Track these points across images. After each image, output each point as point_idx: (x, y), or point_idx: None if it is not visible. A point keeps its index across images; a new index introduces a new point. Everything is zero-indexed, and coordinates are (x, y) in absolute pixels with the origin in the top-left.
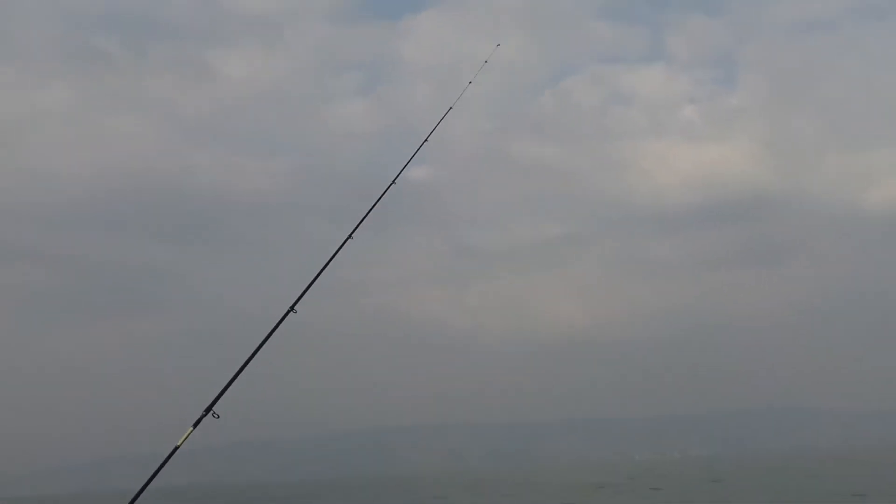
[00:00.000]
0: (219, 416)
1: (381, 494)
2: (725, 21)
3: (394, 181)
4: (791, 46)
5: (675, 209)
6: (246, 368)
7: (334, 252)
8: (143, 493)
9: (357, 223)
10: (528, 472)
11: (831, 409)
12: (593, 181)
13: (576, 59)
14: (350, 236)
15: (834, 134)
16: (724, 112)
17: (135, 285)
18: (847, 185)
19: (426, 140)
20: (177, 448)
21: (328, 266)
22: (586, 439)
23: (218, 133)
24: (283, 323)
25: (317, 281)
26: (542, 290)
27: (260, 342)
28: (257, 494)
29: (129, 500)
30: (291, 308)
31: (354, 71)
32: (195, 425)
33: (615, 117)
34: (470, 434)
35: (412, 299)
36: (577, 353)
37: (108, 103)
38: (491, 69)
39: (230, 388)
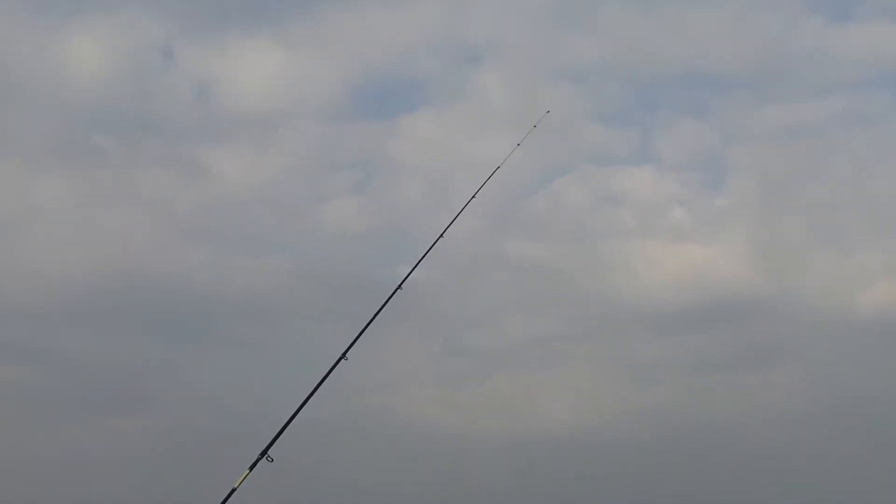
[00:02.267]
0: (273, 460)
1: None
2: (713, 124)
3: (399, 286)
4: (778, 149)
5: (664, 310)
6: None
7: (327, 372)
8: None
9: (352, 341)
10: None
11: None
12: (583, 281)
13: (567, 160)
14: (344, 356)
15: (822, 237)
16: (712, 214)
17: (127, 384)
18: (836, 289)
19: (467, 204)
20: (234, 490)
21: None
22: None
23: (211, 231)
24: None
25: (308, 380)
26: (532, 389)
27: (312, 389)
28: None
29: None
30: (343, 355)
31: (348, 170)
32: (251, 468)
33: (605, 217)
34: None
35: (404, 399)
36: (566, 453)
37: (101, 200)
38: (483, 168)
39: (285, 432)
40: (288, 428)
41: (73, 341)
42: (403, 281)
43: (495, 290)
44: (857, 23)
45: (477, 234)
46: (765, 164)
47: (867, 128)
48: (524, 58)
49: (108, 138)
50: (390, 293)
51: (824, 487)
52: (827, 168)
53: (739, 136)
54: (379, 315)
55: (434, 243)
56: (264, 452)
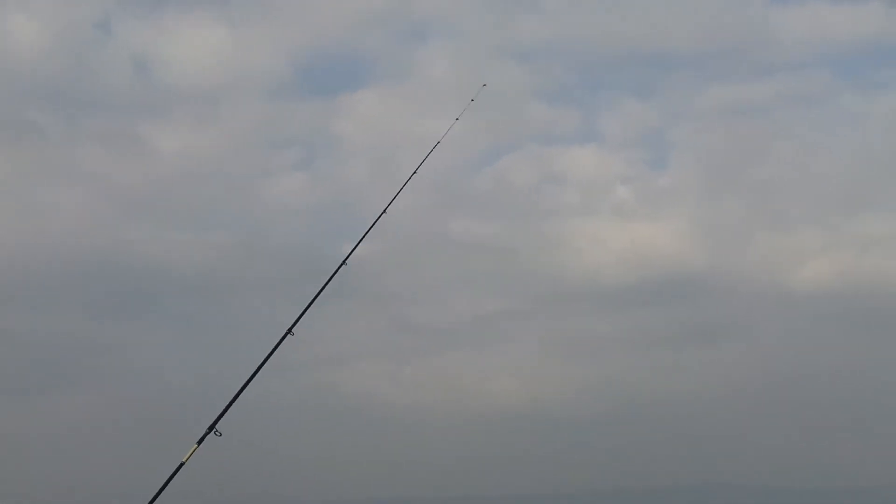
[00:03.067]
0: (221, 434)
1: None
2: (657, 104)
3: (344, 262)
4: (721, 129)
5: (609, 287)
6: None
7: (272, 349)
8: None
9: (298, 316)
10: None
11: (762, 486)
12: (529, 258)
13: (512, 139)
14: (290, 331)
15: (763, 216)
16: (655, 192)
17: (67, 360)
18: (776, 266)
19: (409, 179)
20: (182, 464)
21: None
22: None
23: (152, 207)
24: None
25: (252, 356)
26: (479, 365)
27: (259, 364)
28: None
29: None
30: (289, 331)
31: (291, 147)
32: (199, 442)
33: (550, 196)
34: None
35: (350, 375)
36: (514, 429)
37: (39, 176)
38: (428, 145)
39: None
40: (235, 402)
41: (14, 317)
42: (348, 256)
43: (442, 268)
44: (799, 4)
45: (423, 213)
46: (708, 143)
47: (809, 108)
48: (470, 35)
49: (45, 114)
50: (341, 275)
51: (766, 459)
52: (769, 148)
53: (683, 115)
54: (326, 291)
55: (377, 219)
56: (212, 427)
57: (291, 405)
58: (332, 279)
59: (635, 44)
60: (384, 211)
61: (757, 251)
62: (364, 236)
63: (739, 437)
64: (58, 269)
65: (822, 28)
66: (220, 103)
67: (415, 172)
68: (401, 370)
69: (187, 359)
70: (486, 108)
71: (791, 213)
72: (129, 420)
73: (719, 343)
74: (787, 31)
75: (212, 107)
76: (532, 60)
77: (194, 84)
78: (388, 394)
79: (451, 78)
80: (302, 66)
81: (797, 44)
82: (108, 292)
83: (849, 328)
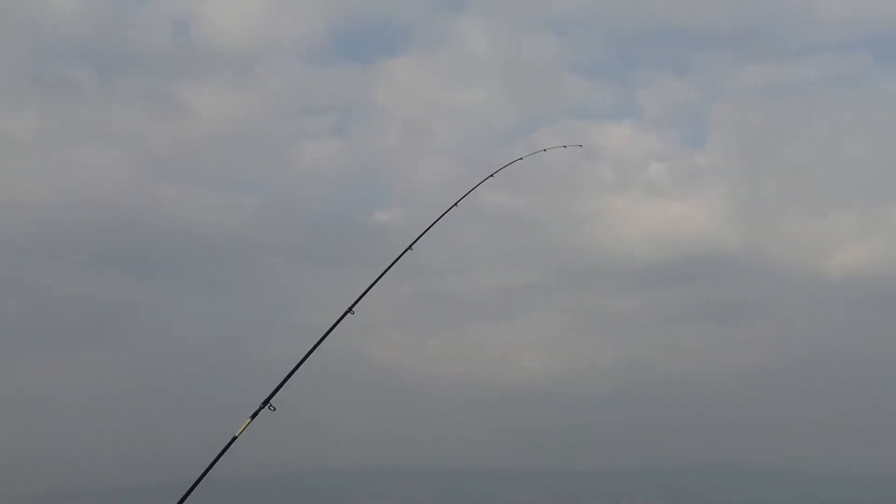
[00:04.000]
0: (275, 409)
1: None
2: (694, 81)
3: (410, 247)
4: (758, 108)
5: (638, 264)
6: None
7: (331, 327)
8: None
9: (360, 296)
10: None
11: (782, 468)
12: (558, 233)
13: (547, 112)
14: (350, 310)
15: (797, 197)
16: (690, 170)
17: (98, 318)
18: (809, 250)
19: (455, 205)
20: (235, 438)
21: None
22: (538, 487)
23: (185, 167)
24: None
25: (278, 319)
26: (502, 337)
27: (316, 342)
28: None
29: (188, 488)
30: (349, 310)
31: (325, 112)
32: (253, 416)
33: (583, 171)
34: (425, 478)
35: (374, 343)
36: (534, 402)
37: (75, 133)
38: (463, 116)
39: (287, 381)
40: (262, 370)
41: (44, 273)
42: (415, 241)
43: (470, 239)
44: None
45: (454, 181)
46: (744, 122)
47: (847, 89)
48: (507, 7)
49: (83, 71)
50: (371, 243)
51: (791, 441)
52: (805, 129)
53: (720, 93)
54: (350, 258)
55: (447, 211)
56: (266, 401)
57: (316, 372)
58: (394, 263)
59: (673, 19)
60: (455, 204)
61: (790, 234)
62: (431, 226)
63: (764, 417)
64: (88, 226)
65: (863, 8)
66: (257, 66)
67: (492, 175)
68: (424, 340)
69: (212, 321)
70: (522, 81)
71: (826, 196)
72: (151, 379)
73: (748, 323)
74: (827, 10)
75: (248, 69)
76: (569, 33)
77: (231, 46)
78: (412, 363)
79: (486, 49)
80: (339, 31)
81: (837, 23)
82: (138, 252)
83: (880, 316)
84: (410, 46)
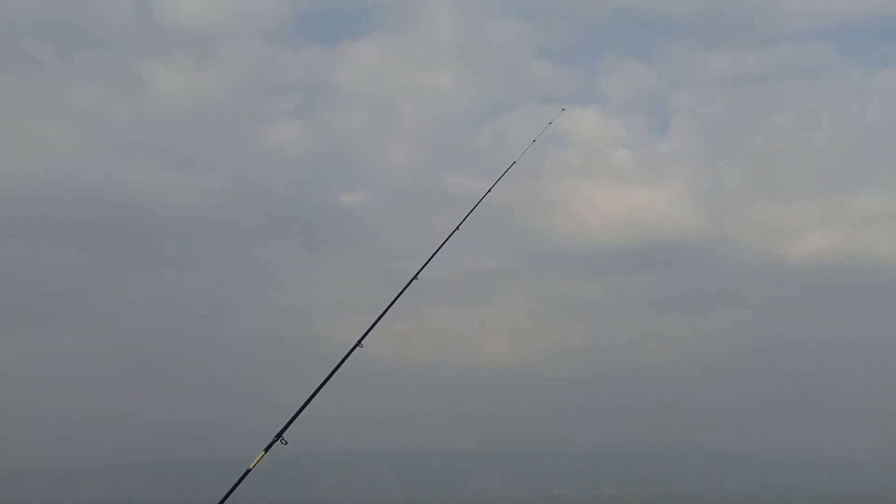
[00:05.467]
0: (287, 443)
1: None
2: (659, 68)
3: (415, 276)
4: (723, 97)
5: (603, 250)
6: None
7: (341, 360)
8: None
9: (368, 329)
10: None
11: (745, 454)
12: (523, 218)
13: (513, 96)
14: (359, 343)
15: (761, 186)
16: (654, 157)
17: (59, 297)
18: (771, 237)
19: (457, 229)
20: (249, 471)
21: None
22: (504, 472)
23: (147, 146)
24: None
25: (242, 301)
26: (468, 322)
27: (328, 374)
28: None
29: None
30: (358, 343)
31: (289, 93)
32: (266, 450)
33: (548, 156)
34: (388, 462)
35: (338, 327)
36: (500, 387)
37: (35, 109)
38: (428, 99)
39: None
40: (229, 352)
41: (2, 251)
42: (421, 270)
43: (434, 222)
44: None
45: (418, 165)
46: (709, 111)
47: (810, 80)
48: None
49: (44, 47)
50: (335, 225)
51: (753, 427)
52: (769, 118)
53: (685, 81)
54: (317, 239)
55: (450, 236)
56: (279, 436)
57: (280, 356)
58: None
59: (639, 6)
60: (457, 228)
61: (753, 221)
62: (435, 253)
63: (723, 404)
64: (48, 205)
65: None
66: (220, 45)
67: (488, 191)
68: (390, 325)
69: (175, 301)
70: (486, 65)
71: (789, 185)
72: (112, 360)
73: (711, 310)
74: (791, 1)
75: (211, 48)
76: (535, 19)
77: (194, 24)
78: (378, 348)
79: (451, 33)
80: (302, 12)
81: (801, 14)
82: (99, 230)
83: (840, 302)
84: (375, 28)
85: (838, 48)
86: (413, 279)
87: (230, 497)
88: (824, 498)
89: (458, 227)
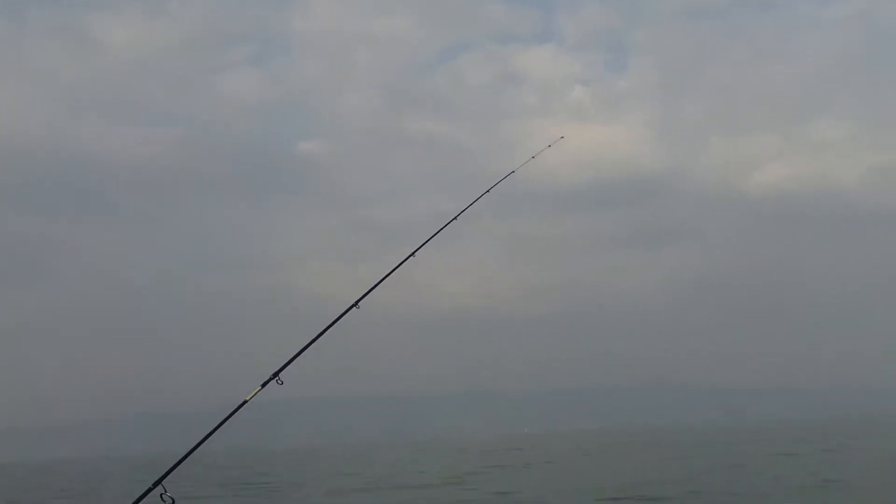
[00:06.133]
0: (282, 383)
1: (270, 470)
2: (616, 5)
3: (413, 254)
4: (680, 33)
5: (565, 189)
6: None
7: (335, 319)
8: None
9: (364, 293)
10: (422, 444)
11: (712, 386)
12: (484, 158)
13: (469, 37)
14: (356, 304)
15: (720, 119)
16: (613, 94)
17: (22, 256)
18: (731, 170)
19: (454, 219)
20: (245, 402)
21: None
22: (476, 412)
23: (100, 102)
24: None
25: (206, 254)
26: (434, 265)
27: (322, 329)
28: (126, 467)
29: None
30: (354, 304)
31: (243, 42)
32: (263, 385)
33: (506, 96)
34: (359, 407)
35: (303, 275)
36: (467, 328)
37: None
38: (384, 44)
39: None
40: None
41: None
42: (418, 249)
43: (396, 166)
44: None
45: (379, 110)
46: (667, 46)
47: (767, 12)
48: None
49: None
50: (296, 174)
51: (717, 358)
52: (727, 51)
53: (641, 17)
54: (277, 188)
55: (446, 224)
56: (275, 374)
57: (247, 306)
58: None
59: None
60: (455, 218)
61: (712, 155)
62: (428, 241)
63: (689, 337)
64: (4, 165)
65: None
66: None
67: (488, 191)
68: (355, 269)
69: (137, 257)
70: (442, 7)
71: (748, 117)
72: (78, 316)
73: (673, 244)
74: None
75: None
76: None
77: None
78: (343, 293)
79: None
80: None
81: None
82: (56, 189)
83: (797, 230)
84: None
85: None
86: (410, 256)
87: (199, 448)
88: (786, 424)
89: (455, 217)
